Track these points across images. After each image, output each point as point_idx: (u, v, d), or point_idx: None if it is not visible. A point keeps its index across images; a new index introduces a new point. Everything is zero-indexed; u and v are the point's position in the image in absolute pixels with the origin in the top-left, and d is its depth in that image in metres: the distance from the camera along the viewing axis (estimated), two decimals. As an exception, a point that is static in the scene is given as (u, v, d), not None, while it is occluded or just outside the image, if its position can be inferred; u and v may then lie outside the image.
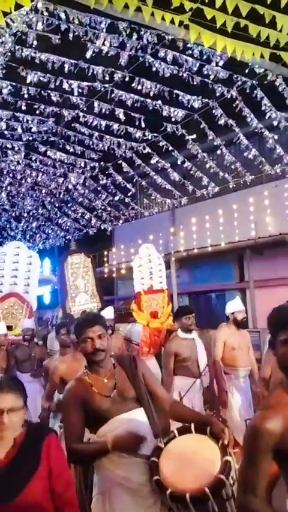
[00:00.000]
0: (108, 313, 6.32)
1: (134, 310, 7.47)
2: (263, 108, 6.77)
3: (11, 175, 10.65)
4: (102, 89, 6.59)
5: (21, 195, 12.63)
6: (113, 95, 6.67)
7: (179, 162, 8.85)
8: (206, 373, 5.09)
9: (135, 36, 5.38)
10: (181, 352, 4.95)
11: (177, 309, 5.54)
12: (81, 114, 7.42)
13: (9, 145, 8.67)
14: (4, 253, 7.79)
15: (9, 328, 7.10)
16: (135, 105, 6.79)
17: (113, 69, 6.15)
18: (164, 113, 6.99)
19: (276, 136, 7.99)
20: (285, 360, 1.68)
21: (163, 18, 4.13)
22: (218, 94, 6.54)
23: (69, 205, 13.06)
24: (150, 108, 6.87)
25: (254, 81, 6.33)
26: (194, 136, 8.33)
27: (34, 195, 12.64)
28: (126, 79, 6.26)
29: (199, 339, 5.21)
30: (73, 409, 2.35)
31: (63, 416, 2.56)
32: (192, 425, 2.28)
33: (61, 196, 12.42)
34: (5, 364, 5.74)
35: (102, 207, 12.33)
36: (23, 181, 11.11)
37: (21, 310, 7.40)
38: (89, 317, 2.65)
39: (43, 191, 12.16)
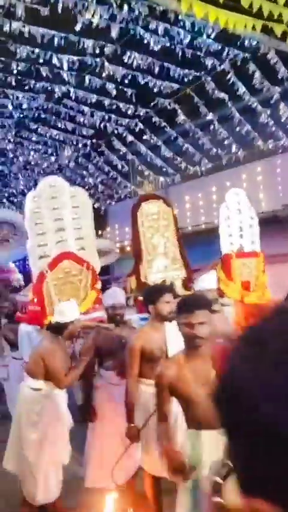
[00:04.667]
0: (211, 281, 4.81)
1: (221, 279, 5.59)
2: (255, 82, 6.71)
3: (2, 154, 10.55)
4: (93, 63, 6.49)
5: (13, 174, 12.52)
6: (103, 69, 6.58)
7: (172, 139, 8.79)
8: None
9: (126, 7, 5.29)
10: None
11: None
12: (71, 89, 7.32)
13: (-1, 124, 8.60)
14: (39, 196, 4.79)
15: None
16: (126, 79, 6.71)
17: (103, 42, 6.05)
18: (156, 88, 6.92)
19: (268, 111, 7.93)
20: None
21: (154, -12, 4.07)
22: (209, 67, 6.47)
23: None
24: (142, 82, 6.79)
25: (246, 55, 6.26)
26: (186, 112, 8.26)
27: (26, 174, 12.53)
28: (118, 52, 6.17)
29: None
30: None
31: None
32: None
33: (53, 174, 12.32)
34: (70, 363, 3.66)
35: (95, 186, 12.27)
36: (15, 160, 11.01)
37: (80, 276, 4.83)
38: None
39: (35, 170, 12.06)
